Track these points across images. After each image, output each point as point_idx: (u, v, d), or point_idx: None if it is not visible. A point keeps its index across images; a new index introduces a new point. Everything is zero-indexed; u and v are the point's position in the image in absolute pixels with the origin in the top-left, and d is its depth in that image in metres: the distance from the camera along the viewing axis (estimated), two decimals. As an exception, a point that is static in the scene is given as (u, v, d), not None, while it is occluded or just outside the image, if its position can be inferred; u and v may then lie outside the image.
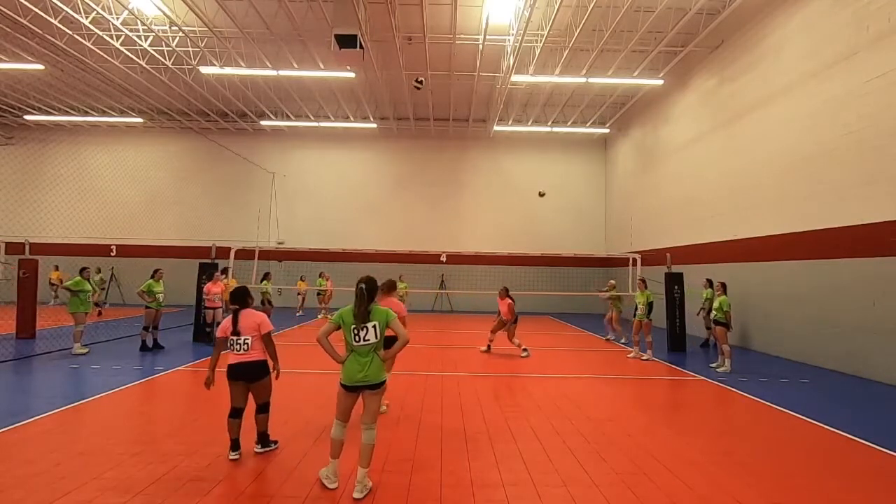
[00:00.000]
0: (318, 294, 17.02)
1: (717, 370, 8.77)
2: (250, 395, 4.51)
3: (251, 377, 4.42)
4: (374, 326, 3.79)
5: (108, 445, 4.57)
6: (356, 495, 3.66)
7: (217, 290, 10.94)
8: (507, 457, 4.53)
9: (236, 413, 4.44)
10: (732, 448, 4.88)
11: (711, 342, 10.91)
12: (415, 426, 5.39)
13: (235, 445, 4.44)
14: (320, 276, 17.38)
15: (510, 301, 10.18)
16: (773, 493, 3.87)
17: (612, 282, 12.87)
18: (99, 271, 18.34)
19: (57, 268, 18.30)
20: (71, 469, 4.03)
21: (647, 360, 9.75)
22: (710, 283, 11.05)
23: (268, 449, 4.61)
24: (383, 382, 3.90)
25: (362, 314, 3.78)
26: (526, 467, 4.29)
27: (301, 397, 6.45)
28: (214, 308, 10.87)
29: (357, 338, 3.79)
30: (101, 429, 5.11)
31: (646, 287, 10.18)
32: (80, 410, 5.75)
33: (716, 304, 8.94)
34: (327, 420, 5.49)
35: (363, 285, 3.83)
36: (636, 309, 10.07)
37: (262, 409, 4.56)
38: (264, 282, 13.12)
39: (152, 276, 9.91)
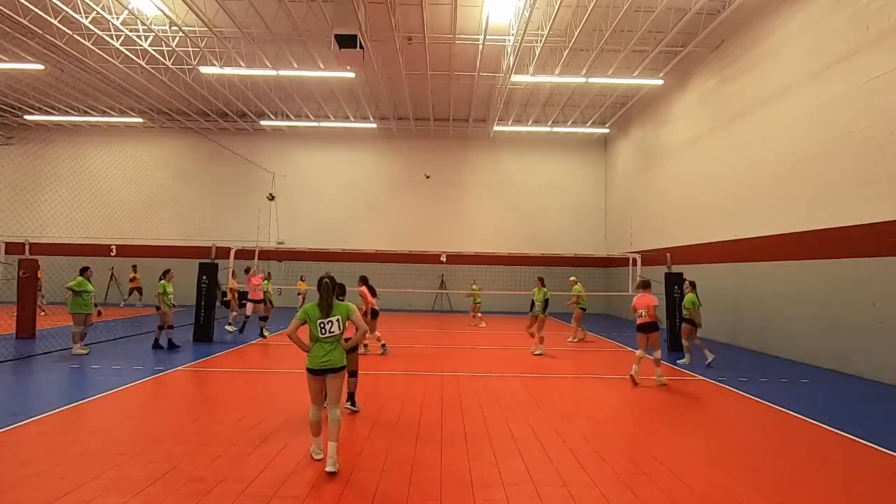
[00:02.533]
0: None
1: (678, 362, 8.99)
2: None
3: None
4: (338, 320, 4.23)
5: (108, 445, 4.56)
6: (328, 469, 4.00)
7: (258, 281, 11.59)
8: (507, 457, 4.53)
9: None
10: (732, 448, 4.87)
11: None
12: (415, 426, 5.38)
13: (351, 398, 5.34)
14: (301, 278, 17.82)
15: (364, 288, 9.46)
16: (773, 493, 3.87)
17: (573, 278, 12.90)
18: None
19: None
20: (71, 469, 4.02)
21: (538, 354, 9.98)
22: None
23: (355, 410, 5.64)
24: (344, 367, 4.30)
25: (326, 308, 4.20)
26: (526, 467, 4.29)
27: (301, 397, 6.45)
28: (258, 300, 11.53)
29: (323, 330, 4.19)
30: (101, 429, 5.11)
31: (543, 285, 10.41)
32: (80, 410, 5.75)
33: (685, 302, 9.07)
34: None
35: (327, 280, 4.27)
36: (532, 305, 10.32)
37: (351, 374, 5.31)
38: (266, 282, 13.16)
39: (163, 277, 9.95)
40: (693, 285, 9.25)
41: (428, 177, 16.23)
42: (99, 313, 15.39)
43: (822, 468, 4.46)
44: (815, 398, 7.06)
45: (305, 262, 19.47)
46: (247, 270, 12.51)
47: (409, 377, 7.90)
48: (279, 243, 20.47)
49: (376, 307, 10.01)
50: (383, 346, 9.94)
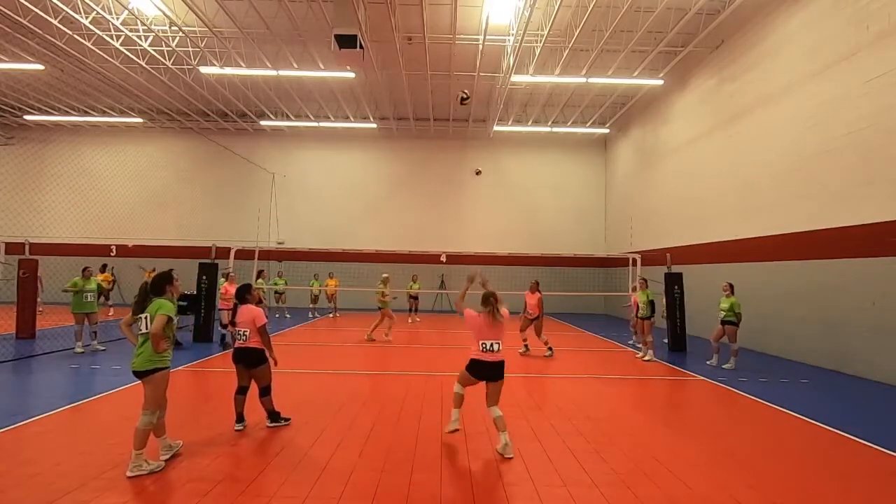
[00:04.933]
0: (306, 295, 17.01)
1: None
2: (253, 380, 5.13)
3: (249, 363, 5.04)
4: (146, 318, 4.16)
5: (108, 445, 4.56)
6: (128, 473, 3.90)
7: (233, 290, 10.77)
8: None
9: (241, 391, 5.12)
10: (732, 448, 4.88)
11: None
12: (415, 426, 5.38)
13: (240, 418, 5.09)
14: (329, 275, 17.75)
15: (540, 295, 10.25)
16: (773, 493, 3.87)
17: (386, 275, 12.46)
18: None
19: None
20: (71, 469, 4.03)
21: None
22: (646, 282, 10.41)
23: (277, 424, 5.19)
24: (148, 372, 4.08)
25: (138, 304, 4.23)
26: (526, 467, 4.29)
27: (301, 397, 6.45)
28: (230, 309, 10.63)
29: (137, 328, 4.22)
30: (101, 429, 5.10)
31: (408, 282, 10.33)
32: (80, 410, 5.75)
33: (726, 305, 9.01)
34: (327, 421, 5.50)
35: (147, 280, 4.47)
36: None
37: (264, 392, 5.14)
38: (273, 280, 13.04)
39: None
40: (732, 287, 9.21)
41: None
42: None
43: (822, 468, 4.46)
44: (815, 398, 7.06)
45: (305, 262, 19.46)
46: (226, 276, 11.03)
47: (409, 377, 7.90)
48: (279, 243, 20.47)
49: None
50: (550, 349, 10.15)
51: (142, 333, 4.15)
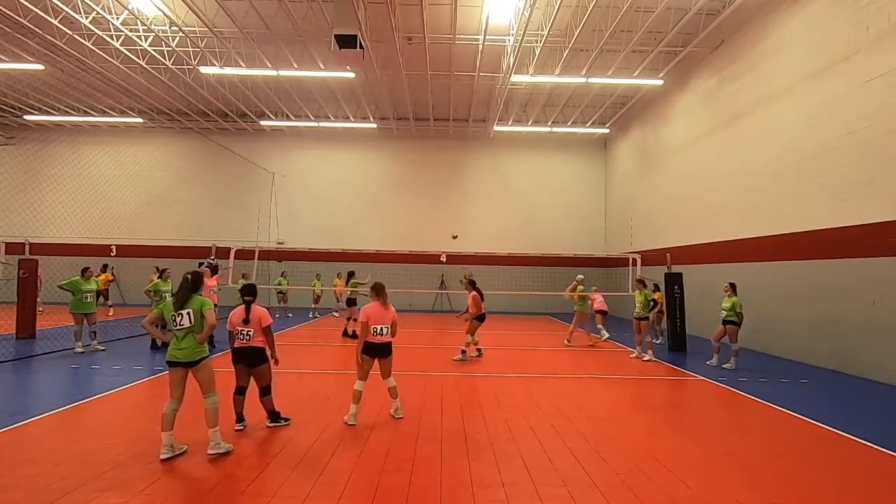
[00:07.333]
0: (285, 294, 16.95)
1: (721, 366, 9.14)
2: (253, 379, 5.17)
3: (251, 362, 5.06)
4: (189, 313, 4.41)
5: (108, 445, 4.57)
6: (210, 452, 4.35)
7: (212, 283, 10.40)
8: (507, 457, 4.53)
9: (240, 391, 5.13)
10: (732, 448, 4.87)
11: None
12: (415, 426, 5.38)
13: (239, 418, 5.15)
14: (317, 277, 17.74)
15: (473, 292, 9.37)
16: (773, 494, 3.87)
17: (581, 276, 12.14)
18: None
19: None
20: (71, 469, 4.03)
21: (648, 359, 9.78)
22: (643, 283, 10.27)
23: (278, 424, 5.23)
24: (199, 360, 4.45)
25: (180, 301, 4.44)
26: (526, 467, 4.29)
27: (301, 398, 6.45)
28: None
29: (175, 323, 4.40)
30: (101, 429, 5.11)
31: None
32: (80, 410, 5.75)
33: (728, 305, 9.00)
34: (326, 420, 5.50)
35: (189, 276, 4.54)
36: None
37: (264, 391, 5.17)
38: (353, 280, 12.88)
39: (160, 276, 9.94)
40: (733, 287, 9.16)
41: None
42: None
43: (822, 468, 4.46)
44: (815, 398, 7.06)
45: (307, 262, 19.46)
46: (213, 269, 10.81)
47: (409, 377, 7.89)
48: (279, 243, 20.48)
49: (484, 311, 9.45)
50: (463, 352, 9.39)
51: (184, 328, 4.40)
